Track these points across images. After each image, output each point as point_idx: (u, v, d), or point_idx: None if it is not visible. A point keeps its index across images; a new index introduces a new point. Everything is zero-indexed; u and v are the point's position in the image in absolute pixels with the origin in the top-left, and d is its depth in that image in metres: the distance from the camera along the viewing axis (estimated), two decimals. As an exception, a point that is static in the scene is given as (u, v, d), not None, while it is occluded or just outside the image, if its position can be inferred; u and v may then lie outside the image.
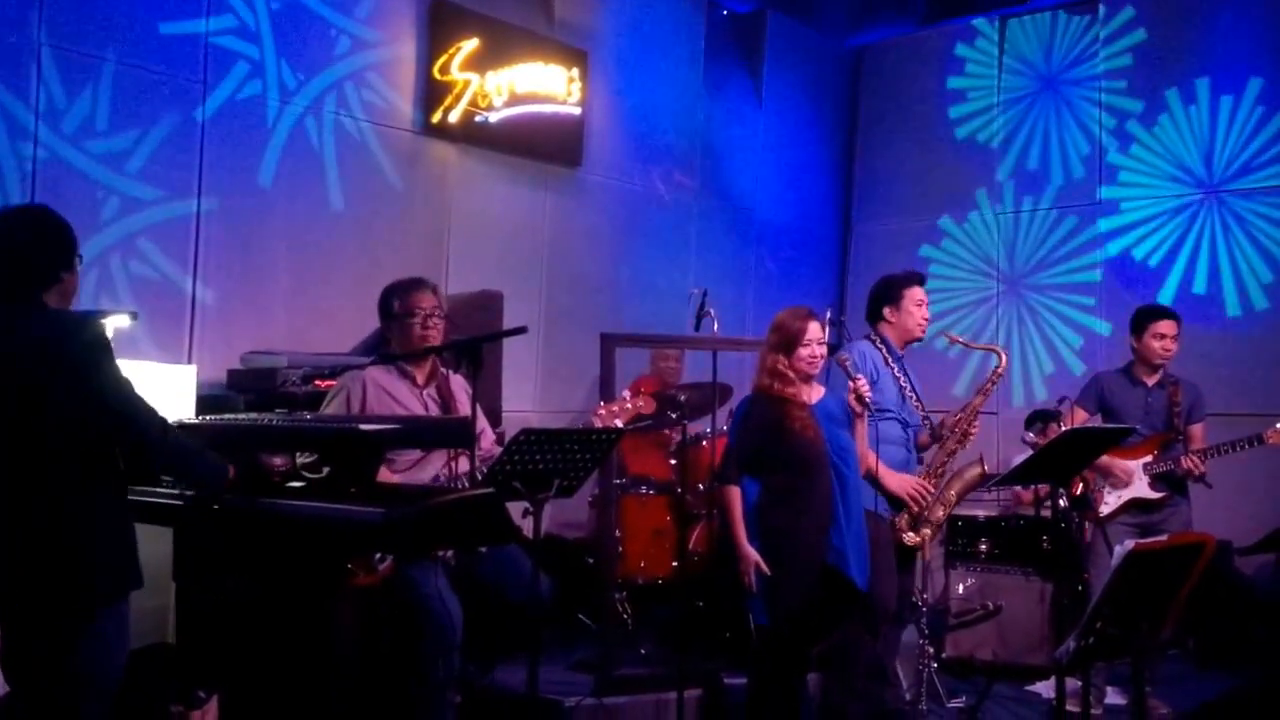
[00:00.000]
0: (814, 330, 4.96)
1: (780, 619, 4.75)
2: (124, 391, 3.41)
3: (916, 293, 5.61)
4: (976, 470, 5.53)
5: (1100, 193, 8.84)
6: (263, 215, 6.30)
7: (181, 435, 3.63)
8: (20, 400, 3.32)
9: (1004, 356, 5.67)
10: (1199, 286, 8.35)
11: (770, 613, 4.75)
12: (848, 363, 5.17)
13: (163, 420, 3.50)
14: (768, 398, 4.91)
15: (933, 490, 5.41)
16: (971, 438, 5.52)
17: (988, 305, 9.33)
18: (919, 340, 5.70)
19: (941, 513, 5.44)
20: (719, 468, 5.12)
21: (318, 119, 6.53)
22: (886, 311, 5.60)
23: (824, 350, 4.97)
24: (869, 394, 5.02)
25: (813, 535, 4.78)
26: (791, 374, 4.90)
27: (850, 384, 5.02)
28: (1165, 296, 8.22)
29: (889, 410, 5.45)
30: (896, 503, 5.37)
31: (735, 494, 4.87)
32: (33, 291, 3.43)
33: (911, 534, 5.38)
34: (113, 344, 3.44)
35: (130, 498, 3.90)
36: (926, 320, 5.66)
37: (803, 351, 4.91)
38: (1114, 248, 8.76)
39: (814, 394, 5.00)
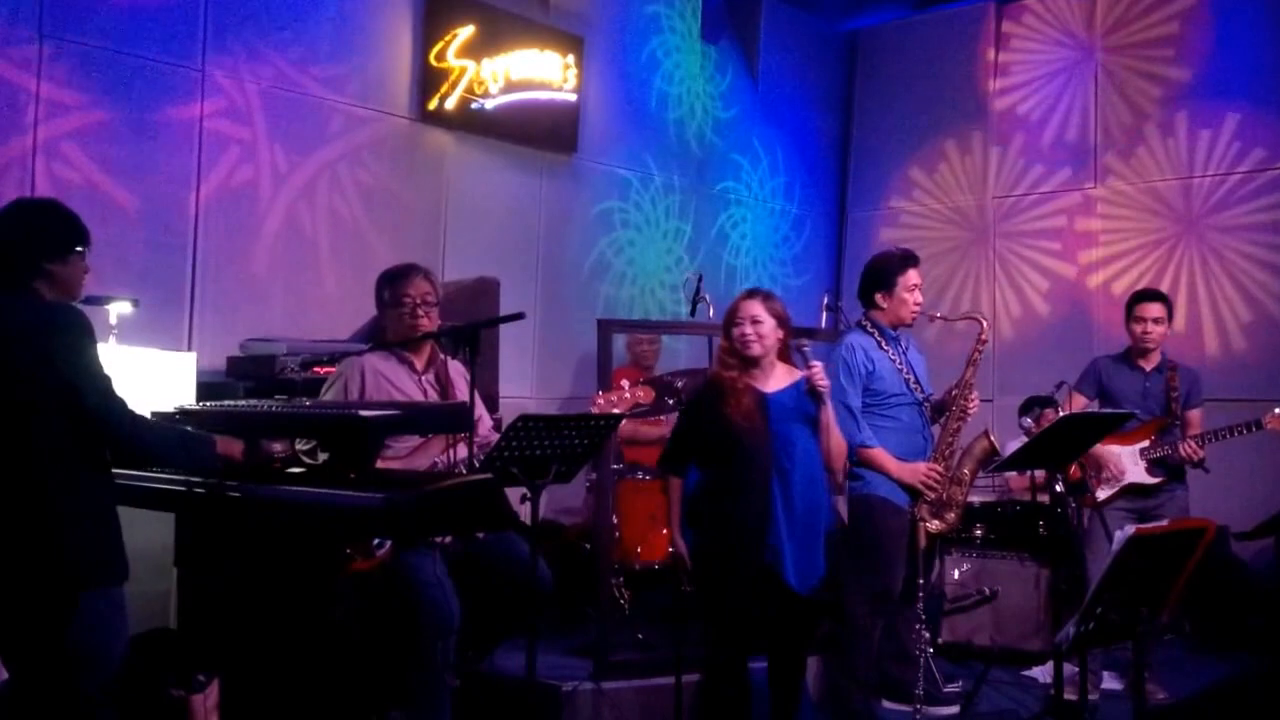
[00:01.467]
0: (747, 308, 4.70)
1: (714, 614, 4.62)
2: (98, 383, 3.44)
3: (910, 277, 5.55)
4: (985, 443, 5.50)
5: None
6: (260, 201, 6.28)
7: (154, 427, 3.66)
8: (5, 386, 3.37)
9: (985, 323, 5.61)
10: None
11: (706, 607, 4.65)
12: (806, 348, 4.81)
13: (131, 416, 3.51)
14: (711, 383, 4.75)
15: (944, 473, 5.40)
16: (971, 412, 5.50)
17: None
18: (909, 325, 5.65)
19: (960, 494, 5.43)
20: (661, 455, 5.03)
21: (309, 107, 6.51)
22: (878, 297, 5.55)
23: (761, 331, 4.66)
24: (823, 382, 4.67)
25: (747, 531, 4.54)
26: (731, 358, 4.71)
27: (806, 371, 4.72)
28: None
29: (898, 395, 5.45)
30: (914, 492, 5.38)
31: (675, 484, 4.77)
32: (19, 280, 3.48)
33: (936, 522, 5.38)
34: (114, 331, 3.46)
35: (132, 484, 3.93)
36: (919, 305, 5.60)
37: (734, 331, 4.70)
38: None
39: (773, 381, 4.73)
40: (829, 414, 4.70)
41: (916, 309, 5.58)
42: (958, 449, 5.53)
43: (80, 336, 3.42)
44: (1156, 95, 8.63)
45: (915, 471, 5.34)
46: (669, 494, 4.81)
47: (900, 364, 5.49)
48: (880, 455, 5.34)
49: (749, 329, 4.66)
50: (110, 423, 3.45)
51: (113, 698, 3.53)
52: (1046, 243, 9.05)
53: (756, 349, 4.66)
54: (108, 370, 3.48)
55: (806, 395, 4.67)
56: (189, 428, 3.89)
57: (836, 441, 4.74)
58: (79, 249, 3.59)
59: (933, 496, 5.36)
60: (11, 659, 3.50)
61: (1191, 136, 8.43)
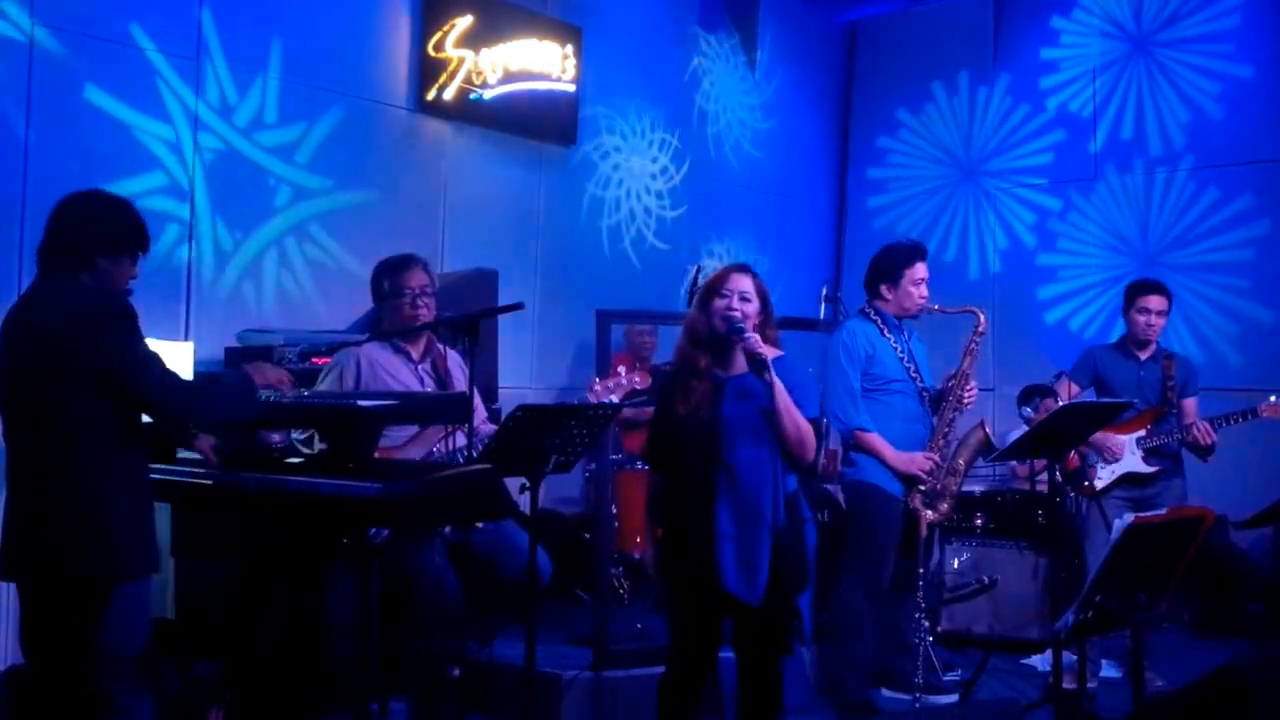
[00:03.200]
0: (737, 281, 4.11)
1: (670, 617, 4.27)
2: (147, 365, 3.49)
3: (917, 271, 5.55)
4: (980, 434, 5.50)
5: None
6: (258, 192, 6.28)
7: (208, 393, 3.73)
8: (46, 373, 3.41)
9: (982, 316, 5.59)
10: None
11: (665, 609, 4.34)
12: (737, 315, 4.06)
13: (183, 388, 3.59)
14: (669, 370, 4.29)
15: (940, 462, 5.40)
16: (968, 403, 5.49)
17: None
18: (914, 317, 5.66)
19: (955, 484, 5.43)
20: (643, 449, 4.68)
21: (308, 99, 6.51)
22: (883, 289, 5.57)
23: (747, 310, 4.05)
24: (761, 349, 3.91)
25: (696, 534, 4.01)
26: (702, 334, 4.11)
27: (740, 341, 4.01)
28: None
29: (898, 381, 5.46)
30: (910, 480, 5.38)
31: (649, 481, 4.44)
32: (68, 269, 3.54)
33: (930, 512, 5.38)
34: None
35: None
36: (925, 298, 5.59)
37: (719, 303, 4.07)
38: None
39: (738, 365, 4.10)
40: (782, 395, 3.96)
41: (921, 302, 5.58)
42: (954, 439, 5.53)
43: (124, 322, 3.48)
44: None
45: (911, 461, 5.35)
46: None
47: (902, 352, 5.50)
48: (877, 441, 5.35)
49: (736, 303, 4.06)
50: (165, 401, 3.52)
51: (138, 686, 3.54)
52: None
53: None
54: (153, 350, 3.55)
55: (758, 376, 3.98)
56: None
57: (800, 426, 4.02)
58: (134, 252, 3.65)
59: (926, 486, 5.36)
60: (35, 649, 3.50)
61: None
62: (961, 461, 5.46)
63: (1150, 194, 8.65)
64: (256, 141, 6.28)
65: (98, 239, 3.56)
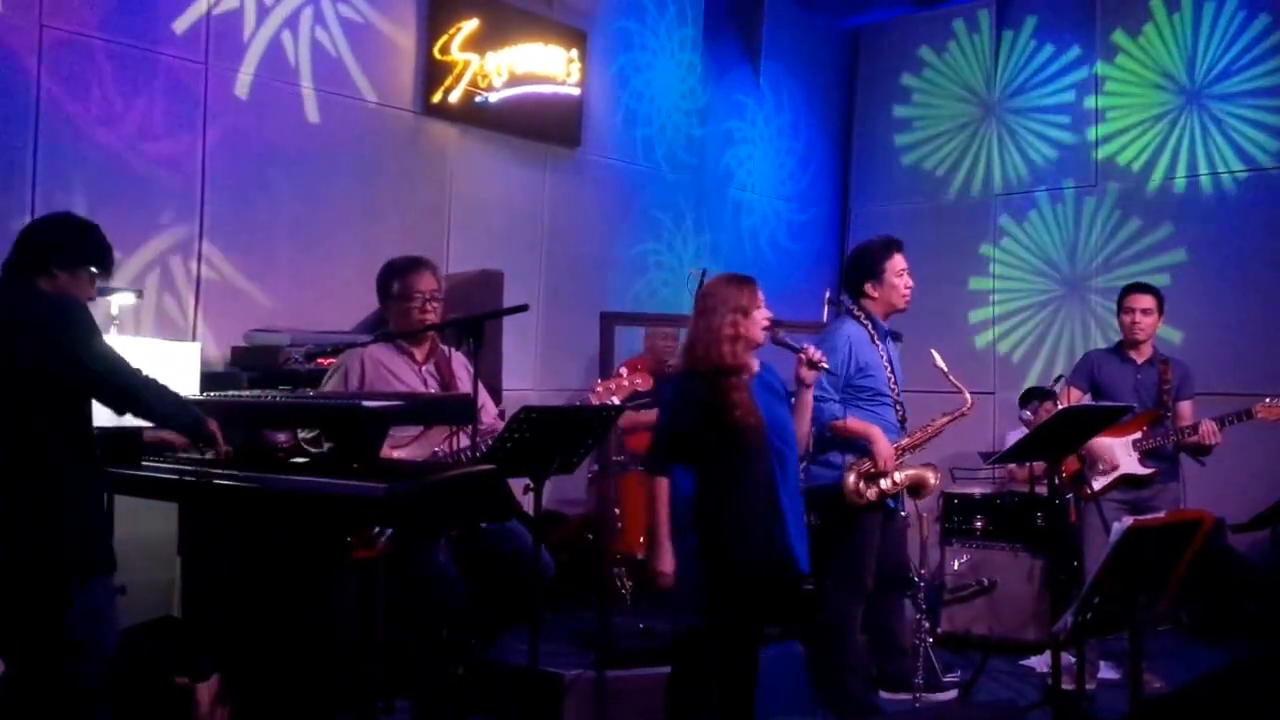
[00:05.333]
0: (762, 296, 4.53)
1: (724, 620, 4.39)
2: (103, 352, 3.61)
3: (897, 262, 5.55)
4: (932, 480, 5.48)
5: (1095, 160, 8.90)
6: (266, 194, 6.32)
7: (166, 396, 3.81)
8: (9, 367, 3.52)
9: (970, 401, 5.49)
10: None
11: (710, 613, 4.40)
12: (784, 336, 4.75)
13: (140, 372, 3.69)
14: (703, 373, 4.43)
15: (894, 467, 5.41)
16: (920, 449, 5.50)
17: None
18: (903, 310, 5.64)
19: (887, 485, 5.36)
20: (645, 456, 4.68)
21: (315, 102, 6.55)
22: (868, 287, 5.55)
23: (769, 317, 4.55)
24: (823, 359, 4.64)
25: (756, 527, 4.38)
26: (746, 345, 4.45)
27: (800, 353, 4.64)
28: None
29: (884, 394, 5.47)
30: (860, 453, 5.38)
31: (664, 486, 4.41)
32: (25, 276, 3.68)
33: (862, 484, 5.32)
34: (115, 322, 3.59)
35: (136, 474, 3.99)
36: (910, 288, 5.58)
37: (758, 315, 4.47)
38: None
39: (753, 366, 4.57)
40: (809, 396, 4.73)
41: (907, 293, 5.58)
42: (909, 458, 5.50)
43: (78, 314, 3.59)
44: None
45: (885, 450, 5.32)
46: (656, 498, 4.43)
47: (886, 360, 5.50)
48: (861, 424, 5.35)
49: (769, 316, 4.53)
50: (120, 381, 3.63)
51: (109, 688, 3.61)
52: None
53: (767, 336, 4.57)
54: (112, 347, 3.66)
55: (791, 378, 4.69)
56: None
57: (804, 425, 4.78)
58: (90, 269, 3.77)
59: (877, 470, 5.31)
60: (10, 648, 3.58)
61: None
62: (902, 475, 5.40)
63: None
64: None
65: (55, 250, 3.71)
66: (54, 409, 3.55)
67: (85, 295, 3.77)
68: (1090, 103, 8.91)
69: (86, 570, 3.55)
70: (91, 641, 3.55)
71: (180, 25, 5.93)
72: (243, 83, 6.21)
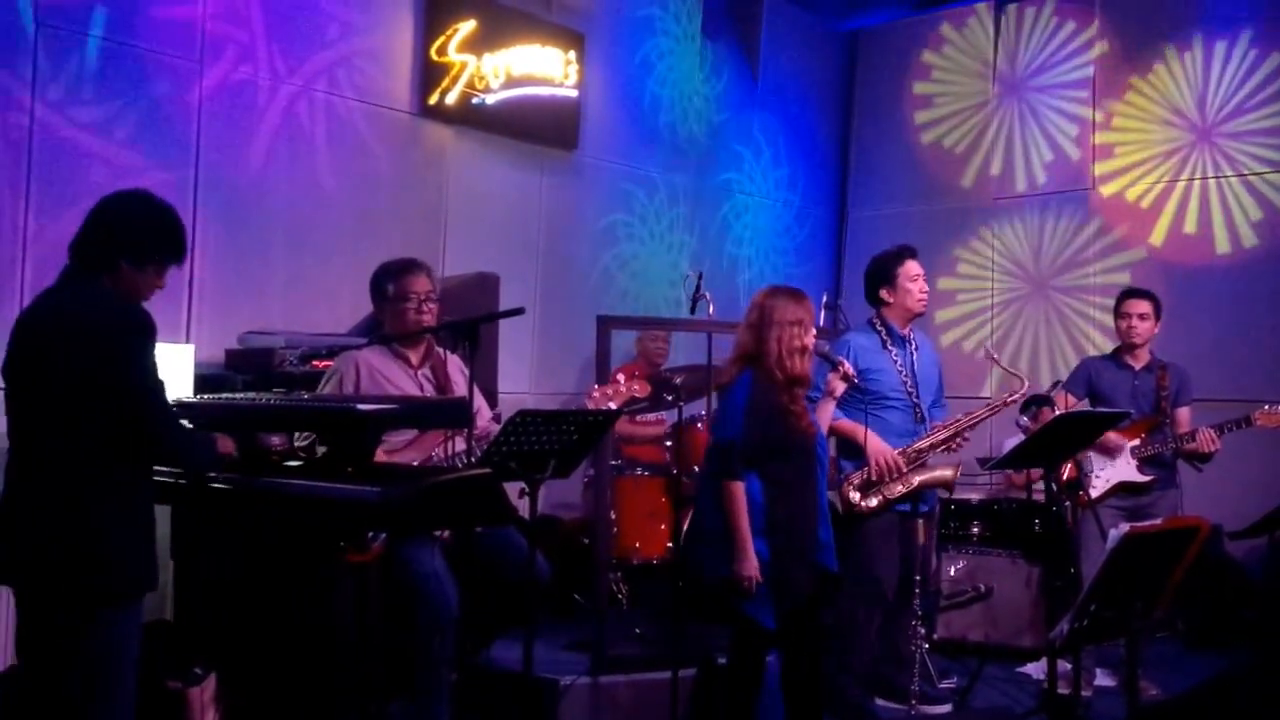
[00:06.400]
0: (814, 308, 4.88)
1: (784, 618, 4.54)
2: (149, 384, 3.41)
3: (911, 268, 5.64)
4: (949, 474, 5.52)
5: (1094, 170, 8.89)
6: (260, 195, 6.29)
7: (188, 437, 3.65)
8: (55, 378, 3.33)
9: (1025, 383, 5.71)
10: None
11: (775, 613, 4.52)
12: (827, 349, 5.18)
13: (173, 429, 3.53)
14: (775, 381, 4.60)
15: (901, 469, 5.42)
16: (960, 444, 5.53)
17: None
18: (920, 315, 5.74)
19: (899, 490, 5.42)
20: (718, 462, 4.65)
21: (310, 102, 6.52)
22: (884, 293, 5.63)
23: None
24: (855, 375, 5.12)
25: (809, 529, 4.63)
26: (811, 353, 4.74)
27: (839, 366, 5.07)
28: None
29: (892, 397, 5.48)
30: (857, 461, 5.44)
31: (741, 490, 4.51)
32: (90, 271, 3.45)
33: (858, 494, 5.40)
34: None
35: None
36: (925, 293, 5.71)
37: (813, 330, 4.78)
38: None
39: None
40: (831, 405, 5.20)
41: (923, 297, 5.68)
42: (927, 460, 5.51)
43: (141, 339, 3.40)
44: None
45: (884, 451, 5.38)
46: (733, 501, 4.51)
47: (901, 366, 5.54)
48: (851, 426, 5.40)
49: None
50: (156, 435, 3.43)
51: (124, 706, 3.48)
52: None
53: None
54: (160, 375, 3.45)
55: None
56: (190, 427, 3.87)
57: (827, 429, 5.15)
58: (162, 262, 3.56)
59: (875, 477, 5.38)
60: (29, 658, 3.47)
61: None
62: (916, 480, 5.45)
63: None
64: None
65: (125, 241, 3.46)
66: (102, 423, 3.32)
67: (152, 288, 3.56)
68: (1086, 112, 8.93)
69: (115, 598, 3.36)
70: (110, 664, 3.36)
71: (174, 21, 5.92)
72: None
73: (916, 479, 5.44)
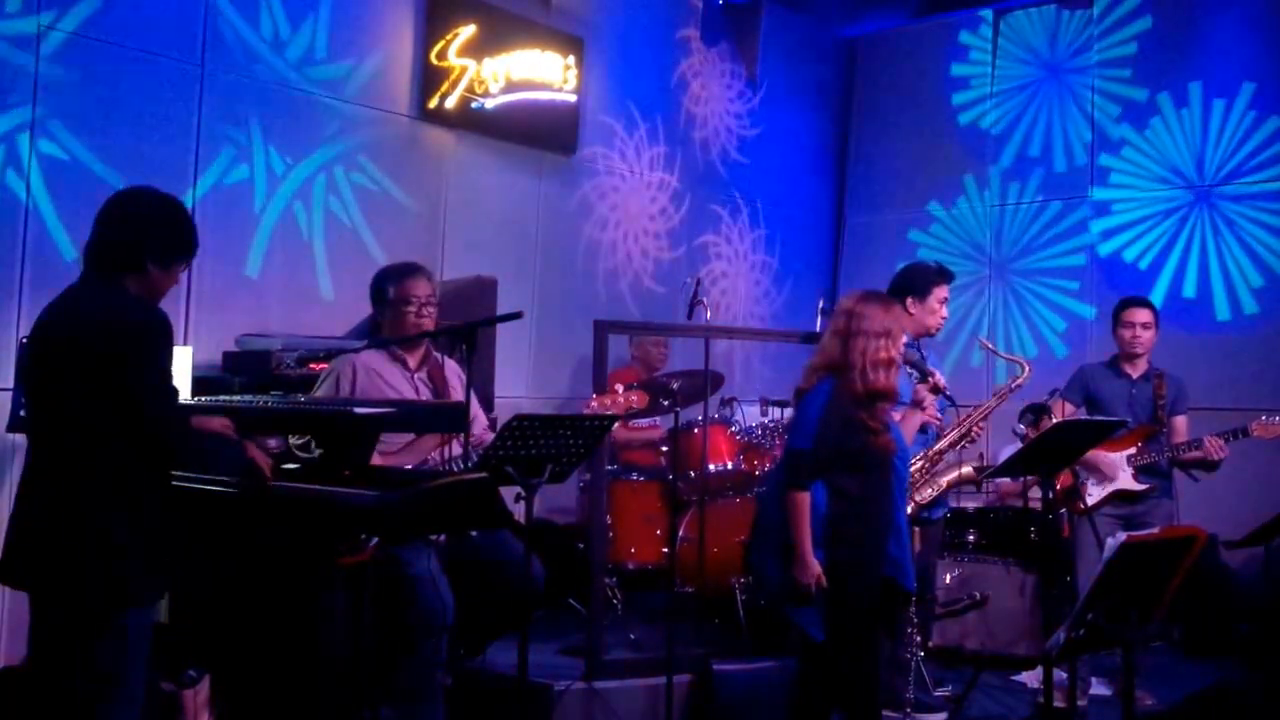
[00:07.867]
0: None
1: (845, 634, 4.47)
2: (165, 395, 3.38)
3: (943, 291, 5.64)
4: (970, 469, 5.59)
5: (1092, 193, 8.86)
6: (258, 194, 6.29)
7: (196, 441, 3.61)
8: (76, 380, 3.29)
9: (1028, 368, 5.69)
10: (1189, 290, 8.39)
11: (833, 630, 4.45)
12: (917, 358, 5.14)
13: (183, 433, 3.49)
14: (855, 394, 4.46)
15: (925, 472, 5.42)
16: (974, 437, 5.52)
17: (975, 289, 9.37)
18: (932, 336, 5.75)
19: (929, 494, 5.45)
20: (786, 470, 4.57)
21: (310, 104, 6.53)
22: (909, 302, 5.57)
23: None
24: (944, 384, 5.15)
25: (878, 545, 4.52)
26: (898, 365, 4.59)
27: (930, 377, 5.10)
28: (1155, 299, 8.27)
29: (901, 404, 5.47)
30: None
31: (806, 500, 4.42)
32: (114, 273, 3.40)
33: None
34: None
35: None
36: (945, 319, 5.73)
37: (903, 339, 4.65)
38: (1104, 249, 8.78)
39: None
40: (916, 419, 5.19)
41: (942, 323, 5.71)
42: (945, 460, 5.52)
43: (162, 341, 3.37)
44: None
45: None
46: (797, 513, 4.43)
47: (911, 373, 5.53)
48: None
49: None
50: (163, 435, 3.39)
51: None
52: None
53: None
54: (174, 380, 3.44)
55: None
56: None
57: (911, 441, 5.09)
58: (185, 260, 3.54)
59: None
60: (41, 661, 3.44)
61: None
62: (944, 480, 5.50)
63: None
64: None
65: (153, 244, 3.42)
66: (118, 426, 3.29)
67: (171, 285, 3.53)
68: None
69: (126, 601, 3.32)
70: (121, 670, 3.34)
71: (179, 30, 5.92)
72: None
73: (944, 479, 5.48)
